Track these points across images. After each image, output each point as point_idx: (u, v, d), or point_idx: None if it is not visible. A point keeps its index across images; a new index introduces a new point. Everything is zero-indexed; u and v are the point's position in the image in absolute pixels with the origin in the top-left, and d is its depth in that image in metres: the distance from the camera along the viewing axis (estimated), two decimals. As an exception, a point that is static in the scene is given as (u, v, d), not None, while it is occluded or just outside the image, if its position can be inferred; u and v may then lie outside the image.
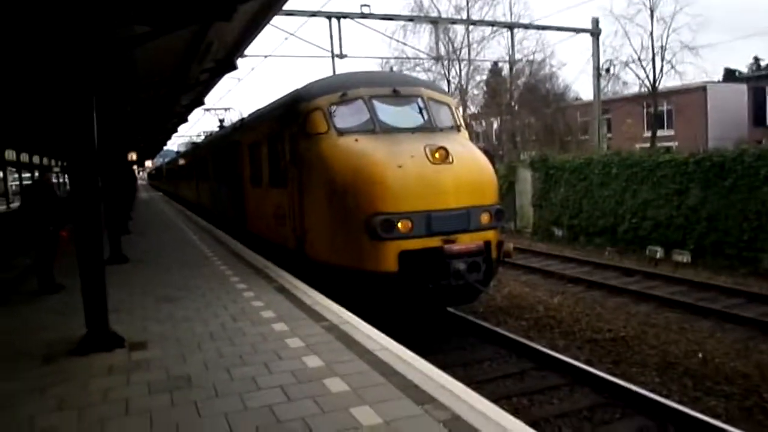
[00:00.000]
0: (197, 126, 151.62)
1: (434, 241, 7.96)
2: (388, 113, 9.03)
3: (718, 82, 41.18)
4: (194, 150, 29.41)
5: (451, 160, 8.16)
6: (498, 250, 8.82)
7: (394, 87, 9.32)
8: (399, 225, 7.83)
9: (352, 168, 8.24)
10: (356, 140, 8.52)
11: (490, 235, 8.60)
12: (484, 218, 8.47)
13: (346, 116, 8.93)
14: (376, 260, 7.94)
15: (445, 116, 9.58)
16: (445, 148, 8.15)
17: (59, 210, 8.68)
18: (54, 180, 27.29)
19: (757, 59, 55.72)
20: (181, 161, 35.06)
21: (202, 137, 35.76)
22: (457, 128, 9.62)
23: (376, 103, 9.01)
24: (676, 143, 33.22)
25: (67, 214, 8.61)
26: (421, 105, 9.32)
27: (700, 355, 8.35)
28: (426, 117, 9.23)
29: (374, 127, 8.76)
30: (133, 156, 24.10)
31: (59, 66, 5.74)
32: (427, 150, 8.11)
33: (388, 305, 8.12)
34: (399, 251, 7.87)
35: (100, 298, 5.73)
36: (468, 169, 8.43)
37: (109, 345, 5.64)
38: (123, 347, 5.69)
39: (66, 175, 37.01)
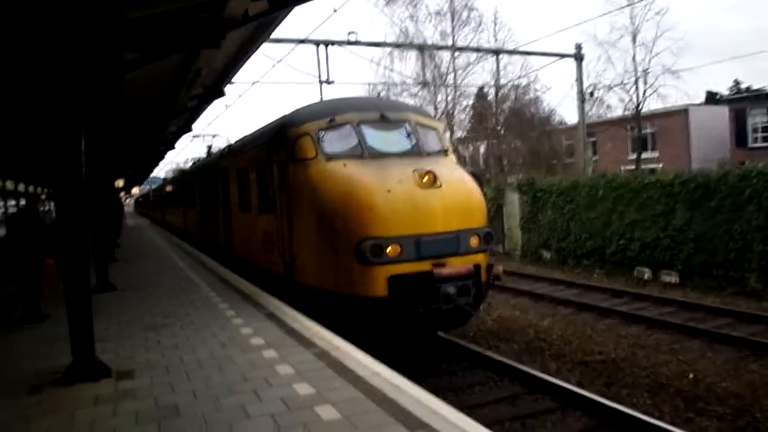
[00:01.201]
0: (184, 152, 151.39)
1: (424, 265, 7.95)
2: (377, 138, 9.07)
3: (700, 104, 41.88)
4: (182, 176, 29.35)
5: (439, 184, 8.20)
6: (487, 274, 8.82)
7: (382, 112, 9.38)
8: (388, 249, 7.82)
9: (340, 193, 8.25)
10: (345, 165, 8.55)
11: (480, 258, 8.61)
12: (474, 241, 8.48)
13: (334, 141, 8.96)
14: (366, 285, 7.90)
15: (432, 141, 9.64)
16: (433, 173, 8.19)
17: (46, 238, 8.60)
18: (41, 207, 27.12)
19: (737, 82, 56.95)
20: (169, 188, 34.96)
21: (190, 164, 35.71)
22: (445, 152, 9.68)
23: (364, 128, 9.05)
24: (661, 165, 33.65)
25: (54, 243, 8.53)
26: (409, 130, 9.38)
27: (691, 375, 8.35)
28: (414, 141, 9.28)
29: (362, 152, 8.79)
30: (120, 183, 24.00)
31: (47, 92, 5.72)
32: (416, 174, 8.14)
33: (378, 330, 8.07)
34: (388, 276, 7.85)
35: (87, 327, 5.65)
36: (456, 192, 8.46)
37: (95, 375, 5.56)
38: (110, 377, 5.60)
39: (52, 203, 36.73)
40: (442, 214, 8.17)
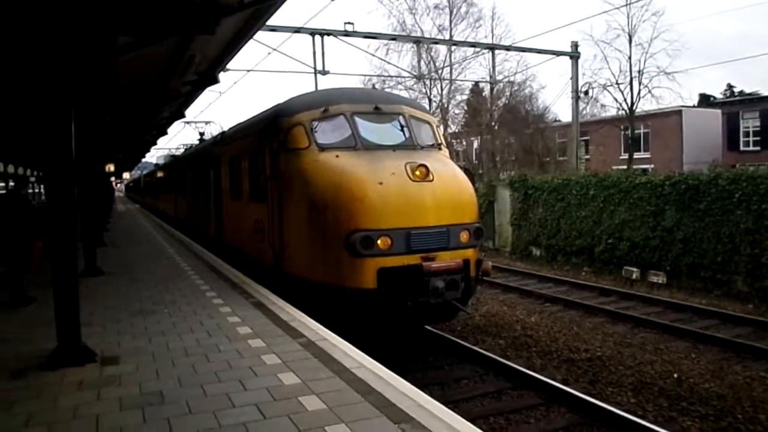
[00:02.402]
0: (177, 138, 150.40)
1: (413, 259, 7.95)
2: (370, 130, 9.05)
3: (693, 106, 42.07)
4: (173, 163, 29.19)
5: (431, 177, 8.19)
6: (477, 269, 8.83)
7: (376, 104, 9.35)
8: (378, 242, 7.81)
9: (332, 184, 8.22)
10: (337, 156, 8.52)
11: (469, 253, 8.62)
12: (464, 236, 8.49)
13: (327, 132, 8.93)
14: (355, 277, 7.90)
15: (426, 134, 9.63)
16: (425, 166, 8.18)
17: (34, 221, 8.53)
18: (29, 190, 26.90)
19: (730, 86, 57.32)
20: (160, 174, 34.76)
21: (182, 150, 35.54)
22: (438, 146, 9.67)
23: (357, 119, 9.03)
24: (652, 166, 33.80)
25: (42, 226, 8.46)
26: (403, 123, 9.37)
27: (676, 375, 8.42)
28: (407, 135, 9.27)
29: (355, 144, 8.77)
30: (110, 167, 23.83)
31: (38, 74, 5.66)
32: (408, 167, 8.13)
33: (366, 322, 8.07)
34: (378, 268, 7.84)
35: (73, 311, 5.61)
36: (448, 187, 8.46)
37: (80, 359, 5.52)
38: (95, 362, 5.57)
39: (41, 186, 36.46)
40: (433, 208, 8.17)
